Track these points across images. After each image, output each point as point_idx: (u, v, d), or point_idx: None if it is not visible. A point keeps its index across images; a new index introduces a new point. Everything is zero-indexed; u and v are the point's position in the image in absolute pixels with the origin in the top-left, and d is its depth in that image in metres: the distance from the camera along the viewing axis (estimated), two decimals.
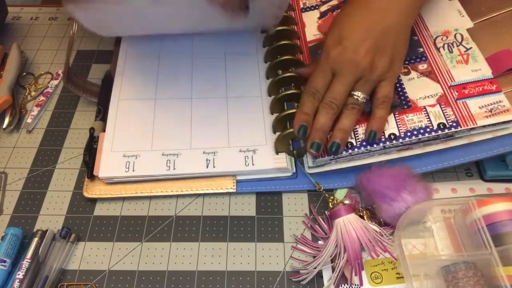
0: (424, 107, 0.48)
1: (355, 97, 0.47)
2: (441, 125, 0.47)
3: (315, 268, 0.44)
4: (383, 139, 0.47)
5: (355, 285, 0.44)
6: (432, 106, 0.48)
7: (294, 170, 0.51)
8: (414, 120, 0.48)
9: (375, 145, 0.47)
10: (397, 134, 0.47)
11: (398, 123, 0.48)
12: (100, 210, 0.51)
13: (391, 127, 0.48)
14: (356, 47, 0.47)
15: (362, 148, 0.47)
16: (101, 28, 0.51)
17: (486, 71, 0.49)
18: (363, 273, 0.44)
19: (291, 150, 0.51)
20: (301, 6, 0.63)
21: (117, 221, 0.50)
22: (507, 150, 0.47)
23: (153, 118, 0.54)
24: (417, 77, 0.51)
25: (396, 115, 0.48)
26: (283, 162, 0.50)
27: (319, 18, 0.61)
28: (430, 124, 0.47)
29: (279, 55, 0.56)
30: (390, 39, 0.48)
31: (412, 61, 0.52)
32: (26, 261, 0.45)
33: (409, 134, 0.47)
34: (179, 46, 0.61)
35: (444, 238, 0.46)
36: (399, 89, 0.50)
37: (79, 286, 0.45)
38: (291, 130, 0.49)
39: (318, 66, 0.49)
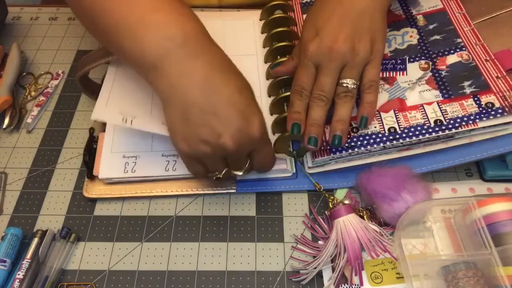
0: (421, 105, 0.48)
1: (344, 84, 0.46)
2: (438, 121, 0.46)
3: (315, 268, 0.44)
4: (383, 138, 0.47)
5: (355, 285, 0.44)
6: (430, 104, 0.48)
7: (294, 171, 0.51)
8: (416, 117, 0.47)
9: (375, 145, 0.47)
10: (397, 129, 0.47)
11: (398, 119, 0.48)
12: (100, 210, 0.51)
13: (390, 122, 0.48)
14: (333, 36, 0.46)
15: (362, 148, 0.47)
16: None
17: None
18: (363, 273, 0.44)
19: (290, 150, 0.51)
20: (300, 1, 0.63)
21: (117, 221, 0.50)
22: (507, 150, 0.47)
23: None
24: None
25: (396, 112, 0.48)
26: (283, 162, 0.50)
27: None
28: (428, 122, 0.47)
29: (279, 56, 0.56)
30: (365, 22, 0.47)
31: None
32: (26, 261, 0.45)
33: (406, 131, 0.47)
34: None
35: (444, 238, 0.46)
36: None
37: (79, 286, 0.45)
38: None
39: (300, 63, 0.48)
